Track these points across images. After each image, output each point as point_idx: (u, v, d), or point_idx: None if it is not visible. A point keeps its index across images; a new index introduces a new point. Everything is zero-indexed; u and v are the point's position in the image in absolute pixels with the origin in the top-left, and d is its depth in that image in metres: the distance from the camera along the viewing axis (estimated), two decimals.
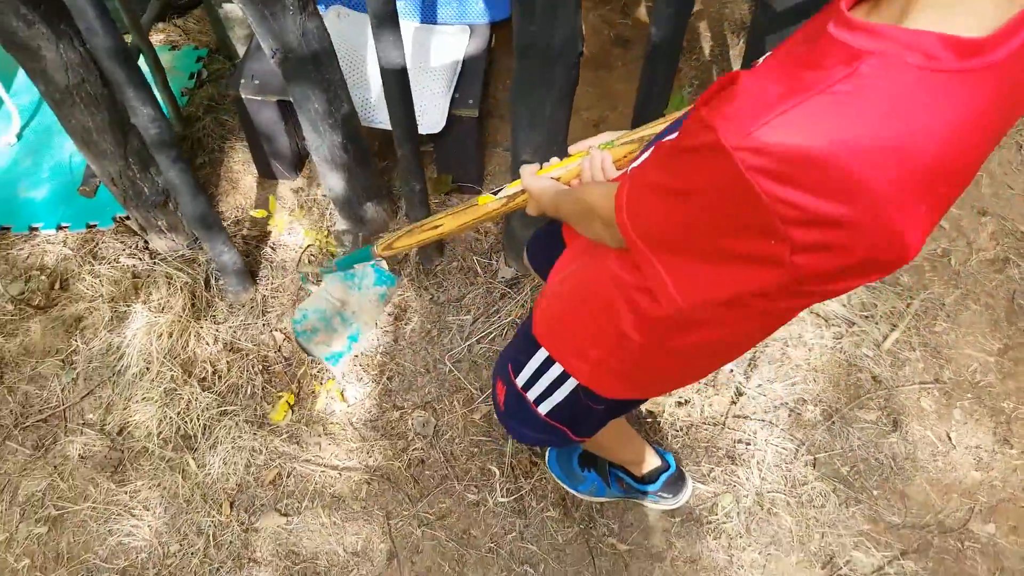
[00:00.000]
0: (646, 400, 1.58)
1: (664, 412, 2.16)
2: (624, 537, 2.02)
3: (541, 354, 1.37)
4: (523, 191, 1.36)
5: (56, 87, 1.98)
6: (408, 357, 2.32)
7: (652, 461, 1.93)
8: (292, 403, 2.27)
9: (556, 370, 1.35)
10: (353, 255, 1.82)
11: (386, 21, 1.68)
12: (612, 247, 1.10)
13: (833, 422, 2.13)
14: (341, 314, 2.14)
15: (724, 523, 2.01)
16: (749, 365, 2.21)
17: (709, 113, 0.75)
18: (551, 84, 1.73)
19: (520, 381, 1.43)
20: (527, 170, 1.34)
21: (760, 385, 2.18)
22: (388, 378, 2.29)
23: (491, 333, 2.32)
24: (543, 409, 1.42)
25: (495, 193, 1.43)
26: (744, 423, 2.14)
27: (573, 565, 1.99)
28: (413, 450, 2.18)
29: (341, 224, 2.42)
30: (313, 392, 2.27)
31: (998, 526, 1.99)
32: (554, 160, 1.36)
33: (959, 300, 2.32)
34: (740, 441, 2.11)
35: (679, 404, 2.17)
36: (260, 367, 2.33)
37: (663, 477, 1.92)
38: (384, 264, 2.16)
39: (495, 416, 1.97)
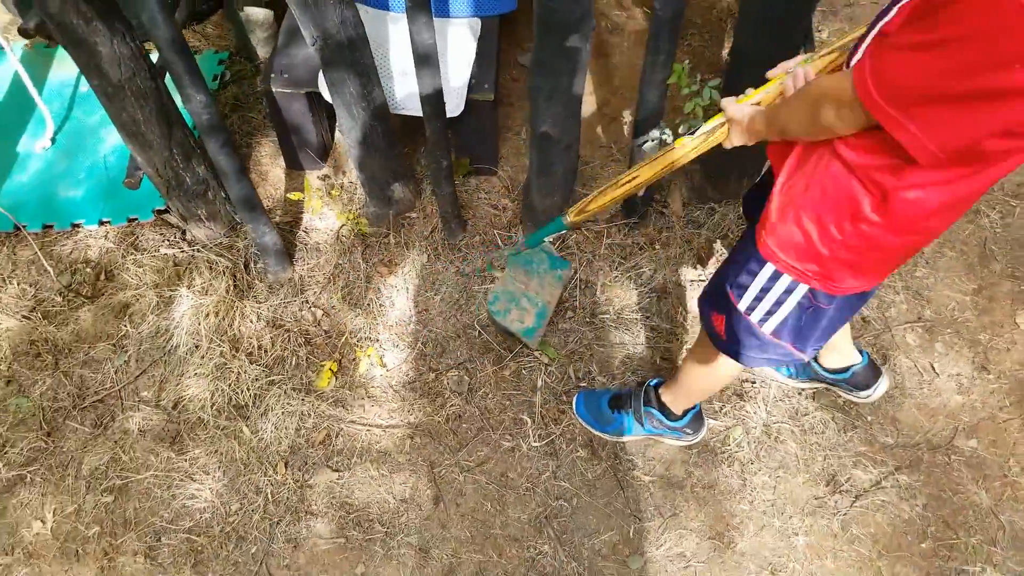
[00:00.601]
0: (867, 300, 1.65)
1: (676, 358, 2.38)
2: (648, 470, 2.24)
3: (766, 271, 1.47)
4: (721, 124, 1.50)
5: (109, 81, 2.16)
6: (439, 325, 2.52)
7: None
8: (335, 370, 2.47)
9: (783, 283, 1.46)
10: (543, 229, 1.96)
11: (420, 4, 1.89)
12: (842, 133, 1.20)
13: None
14: (527, 295, 2.40)
15: (736, 452, 2.23)
16: None
17: None
18: (569, 56, 1.95)
19: (743, 305, 1.55)
20: (729, 101, 1.46)
21: None
22: (423, 343, 2.49)
23: None
24: (767, 328, 1.55)
25: (691, 133, 1.54)
26: None
27: (603, 497, 2.21)
28: (450, 406, 2.38)
29: (371, 206, 2.63)
30: (355, 359, 2.47)
31: (979, 441, 2.23)
32: (749, 90, 1.48)
33: (936, 248, 2.57)
34: (747, 380, 2.34)
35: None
36: (303, 340, 2.52)
37: (690, 414, 2.14)
38: (554, 249, 2.48)
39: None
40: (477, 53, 2.61)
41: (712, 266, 2.53)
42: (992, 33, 0.91)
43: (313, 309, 2.58)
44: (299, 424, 2.40)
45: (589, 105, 2.94)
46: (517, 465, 2.28)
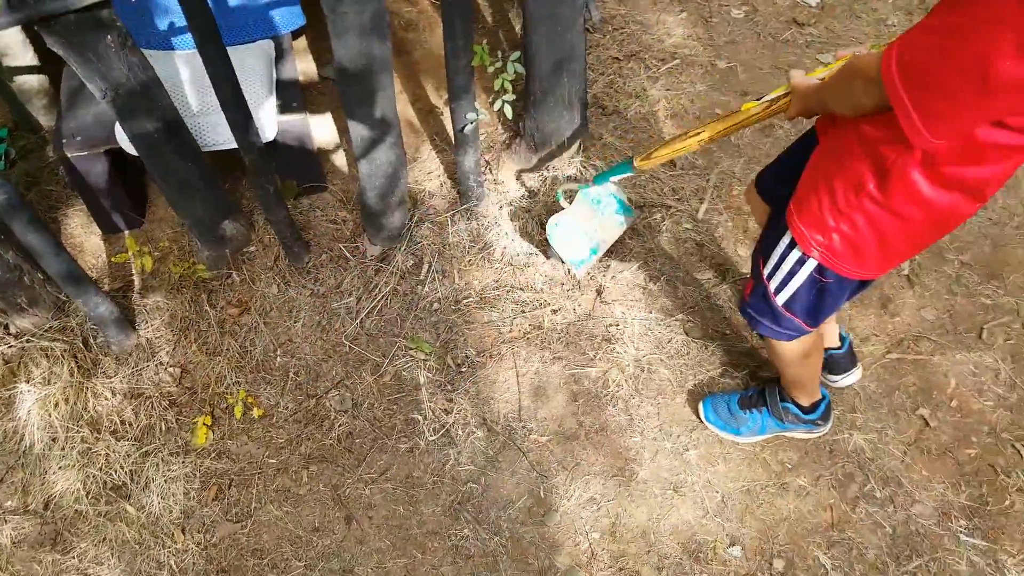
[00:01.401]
0: (870, 284, 1.75)
1: (544, 322, 2.49)
2: (542, 431, 2.33)
3: (785, 239, 1.60)
4: (787, 94, 1.56)
5: None
6: (307, 351, 2.50)
7: (817, 395, 2.16)
8: (210, 424, 2.39)
9: (795, 255, 1.59)
10: (612, 170, 2.14)
11: (209, 37, 1.86)
12: (868, 108, 1.27)
13: (677, 287, 2.55)
14: (586, 229, 2.41)
15: (617, 391, 2.37)
16: (602, 262, 2.58)
17: None
18: (371, 59, 1.99)
19: (766, 271, 1.68)
20: (797, 74, 1.52)
21: (614, 276, 2.56)
22: (294, 373, 2.46)
23: (377, 306, 2.54)
24: (780, 299, 1.68)
25: (757, 100, 1.63)
26: (610, 309, 2.51)
27: (508, 468, 2.28)
28: (339, 426, 2.37)
29: (204, 249, 2.55)
30: (228, 407, 2.40)
31: None
32: (820, 67, 1.58)
33: (745, 166, 2.82)
34: (611, 325, 2.48)
35: (553, 312, 2.50)
36: (167, 403, 2.42)
37: (822, 406, 2.17)
38: (624, 195, 2.51)
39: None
40: (278, 73, 2.58)
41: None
42: (990, 23, 1.00)
43: (170, 369, 2.48)
44: (186, 487, 2.30)
45: (403, 102, 2.98)
46: (419, 463, 2.31)
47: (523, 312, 2.50)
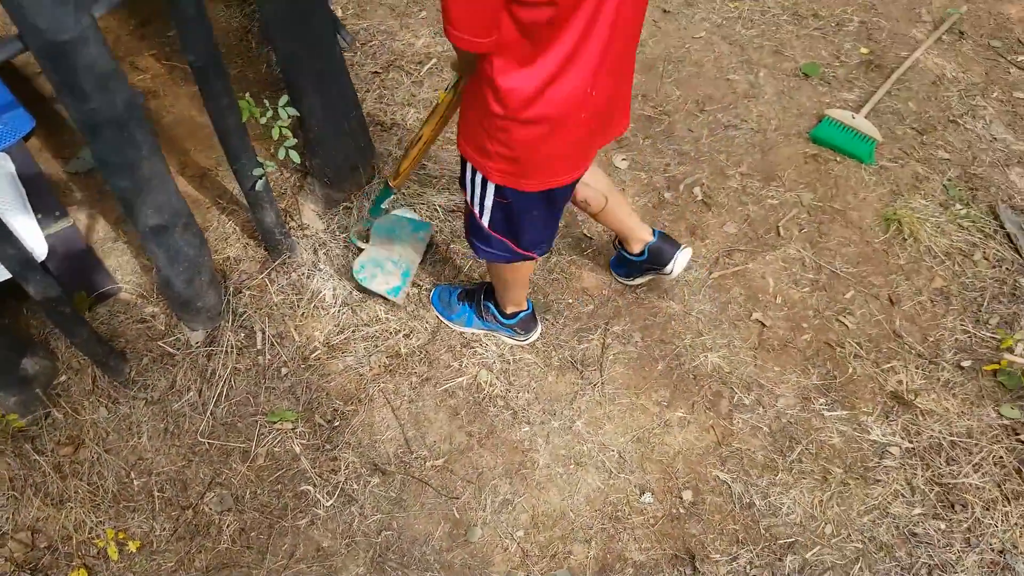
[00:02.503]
0: (558, 206, 1.87)
1: (401, 349, 2.46)
2: (436, 455, 2.33)
3: (468, 168, 1.76)
4: (458, 80, 1.81)
5: None
6: (163, 462, 2.31)
7: (521, 306, 2.35)
8: (88, 575, 2.16)
9: (479, 179, 1.75)
10: (377, 198, 2.33)
11: None
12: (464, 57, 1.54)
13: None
14: (391, 259, 2.50)
15: (492, 390, 2.41)
16: (417, 277, 2.58)
17: None
18: (135, 145, 1.85)
19: (468, 197, 1.84)
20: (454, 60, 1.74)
21: (428, 288, 2.58)
22: (159, 490, 2.27)
23: (222, 391, 2.39)
24: (486, 221, 1.84)
25: (445, 89, 1.86)
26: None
27: (416, 503, 2.26)
28: (228, 527, 2.23)
29: (8, 397, 2.27)
30: (100, 552, 2.18)
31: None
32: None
33: None
34: (464, 335, 2.50)
35: (406, 336, 2.48)
36: (28, 573, 2.16)
37: (520, 315, 2.34)
38: (413, 213, 2.63)
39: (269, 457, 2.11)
40: (25, 186, 2.32)
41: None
42: None
43: (16, 536, 2.20)
44: None
45: (172, 175, 2.77)
46: (326, 532, 2.23)
47: (376, 347, 2.46)
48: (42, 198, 2.32)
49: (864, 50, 3.25)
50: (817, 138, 2.93)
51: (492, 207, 1.80)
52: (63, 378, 2.38)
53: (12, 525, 2.21)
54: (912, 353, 2.50)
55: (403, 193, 2.72)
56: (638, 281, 2.55)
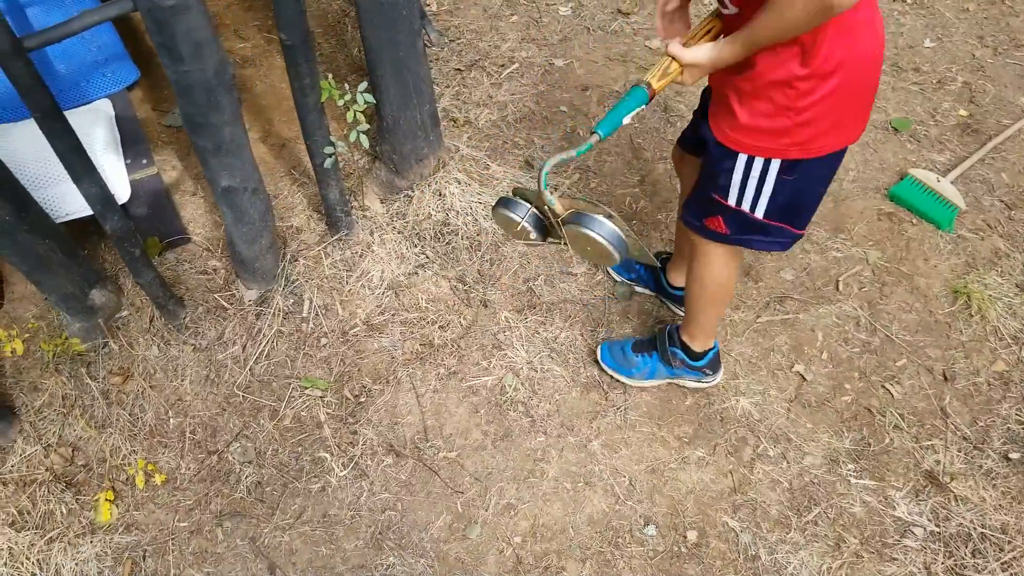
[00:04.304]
0: (835, 170, 1.81)
1: (434, 339, 2.53)
2: (449, 447, 2.38)
3: (740, 162, 1.71)
4: (670, 64, 1.66)
5: None
6: (199, 407, 2.45)
7: (711, 339, 2.30)
8: (112, 499, 2.32)
9: (757, 167, 1.71)
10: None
11: (48, 113, 1.80)
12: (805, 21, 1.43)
13: (554, 285, 2.64)
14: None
15: (515, 395, 2.44)
16: (482, 271, 2.64)
17: None
18: (220, 109, 1.96)
19: (732, 200, 1.79)
20: (679, 48, 1.65)
21: (494, 284, 2.63)
22: (191, 432, 2.41)
23: (264, 351, 2.51)
24: (760, 212, 1.79)
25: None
26: (494, 315, 2.57)
27: (422, 490, 2.32)
28: (246, 478, 2.35)
29: (75, 322, 2.45)
30: (129, 479, 2.34)
31: None
32: (686, 36, 1.69)
33: (598, 158, 2.92)
34: (498, 332, 2.54)
35: (441, 328, 2.55)
36: (63, 484, 2.33)
37: (709, 355, 2.32)
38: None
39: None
40: (120, 130, 2.50)
41: (431, 242, 2.69)
42: None
43: (60, 450, 2.38)
44: (99, 567, 2.23)
45: (253, 140, 2.93)
46: (334, 500, 2.32)
47: (412, 334, 2.53)
48: (135, 145, 2.49)
49: (963, 112, 3.11)
50: (896, 196, 2.82)
51: (772, 193, 1.76)
52: (124, 313, 2.56)
53: (57, 439, 2.39)
54: (957, 435, 2.38)
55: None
56: (635, 288, 2.58)
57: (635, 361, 2.40)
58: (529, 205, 1.76)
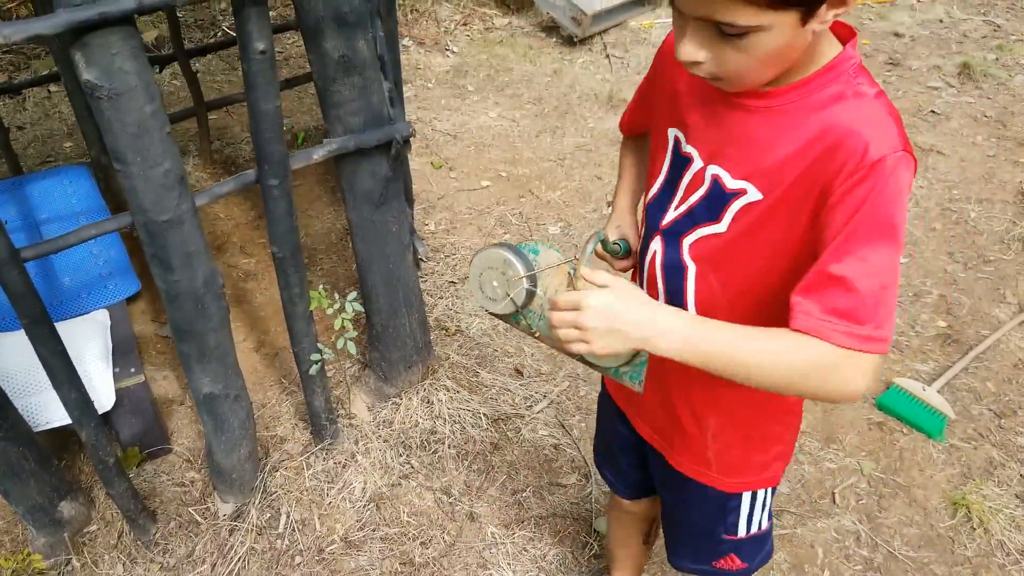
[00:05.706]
0: None
1: (415, 557, 2.40)
2: None
3: (746, 499, 1.50)
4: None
5: None
6: None
7: None
8: None
9: (761, 494, 1.51)
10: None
11: (38, 321, 1.83)
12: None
13: (544, 497, 2.55)
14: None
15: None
16: (470, 487, 2.56)
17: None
18: (207, 317, 2.01)
19: (742, 531, 1.54)
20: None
21: (479, 496, 2.54)
22: None
23: (234, 569, 2.38)
24: (765, 525, 1.57)
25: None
26: (480, 530, 2.46)
27: None
28: None
29: (39, 537, 2.34)
30: None
31: None
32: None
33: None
34: (483, 549, 2.42)
35: (423, 545, 2.42)
36: None
37: None
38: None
39: None
40: (113, 339, 2.53)
41: (416, 451, 2.63)
42: None
43: None
44: None
45: (247, 349, 2.97)
46: None
47: (391, 551, 2.41)
48: (125, 354, 2.51)
49: (942, 323, 3.18)
50: (884, 406, 2.81)
51: (768, 510, 1.58)
52: (93, 527, 2.45)
53: None
54: None
55: None
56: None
57: None
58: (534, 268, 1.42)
